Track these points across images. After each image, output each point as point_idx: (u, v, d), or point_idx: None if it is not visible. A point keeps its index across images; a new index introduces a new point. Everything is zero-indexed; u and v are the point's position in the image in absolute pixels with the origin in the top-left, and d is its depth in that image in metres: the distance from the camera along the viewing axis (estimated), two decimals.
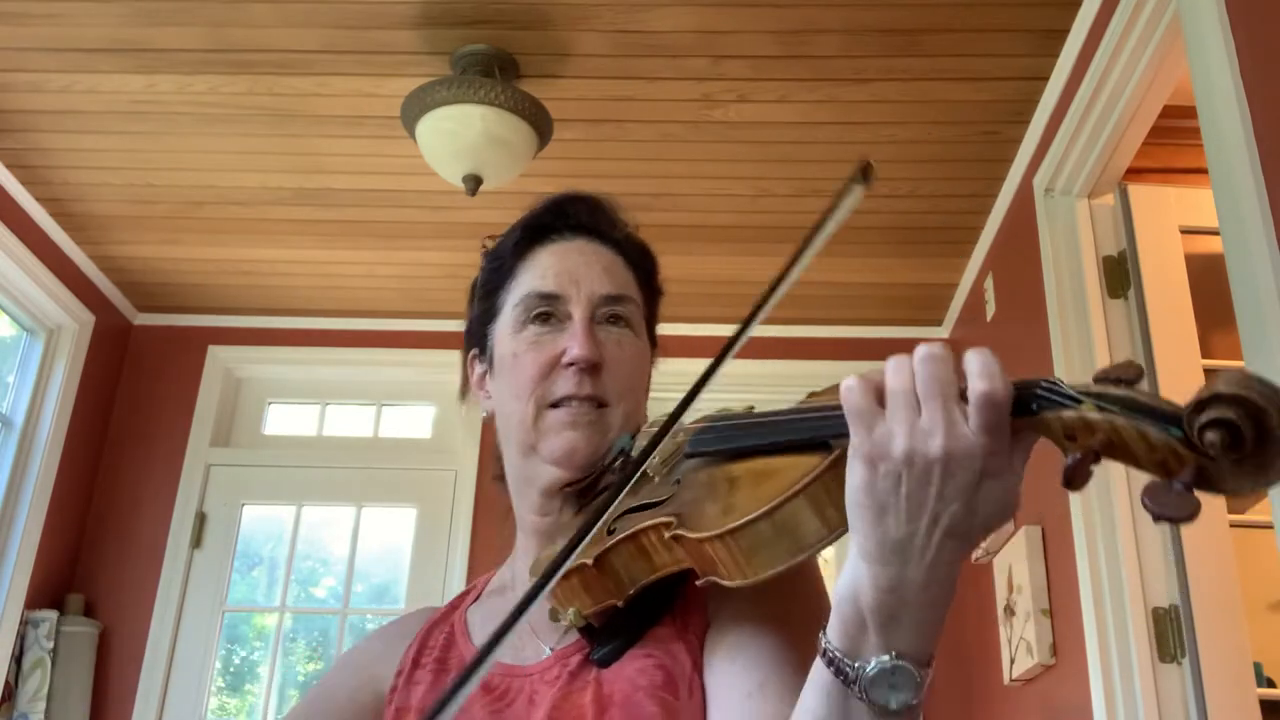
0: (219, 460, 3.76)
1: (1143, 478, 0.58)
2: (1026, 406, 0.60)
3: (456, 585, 3.45)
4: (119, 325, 3.84)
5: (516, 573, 1.00)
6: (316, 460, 3.79)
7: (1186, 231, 2.45)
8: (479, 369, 1.05)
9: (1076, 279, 2.53)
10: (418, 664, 0.98)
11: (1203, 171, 1.85)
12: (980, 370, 0.59)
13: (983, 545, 3.10)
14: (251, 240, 3.43)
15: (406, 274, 3.60)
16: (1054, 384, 0.60)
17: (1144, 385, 0.60)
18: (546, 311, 0.97)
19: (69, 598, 3.46)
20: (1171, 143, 2.48)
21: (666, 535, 0.77)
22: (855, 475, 0.61)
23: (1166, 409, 0.57)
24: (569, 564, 0.71)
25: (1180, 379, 2.31)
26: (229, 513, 3.71)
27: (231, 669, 3.73)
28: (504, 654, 0.93)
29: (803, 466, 0.69)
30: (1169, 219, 2.47)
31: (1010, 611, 2.87)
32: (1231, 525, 2.23)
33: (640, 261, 1.05)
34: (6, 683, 3.21)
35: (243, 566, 3.76)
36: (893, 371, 0.61)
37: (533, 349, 0.96)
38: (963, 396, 0.60)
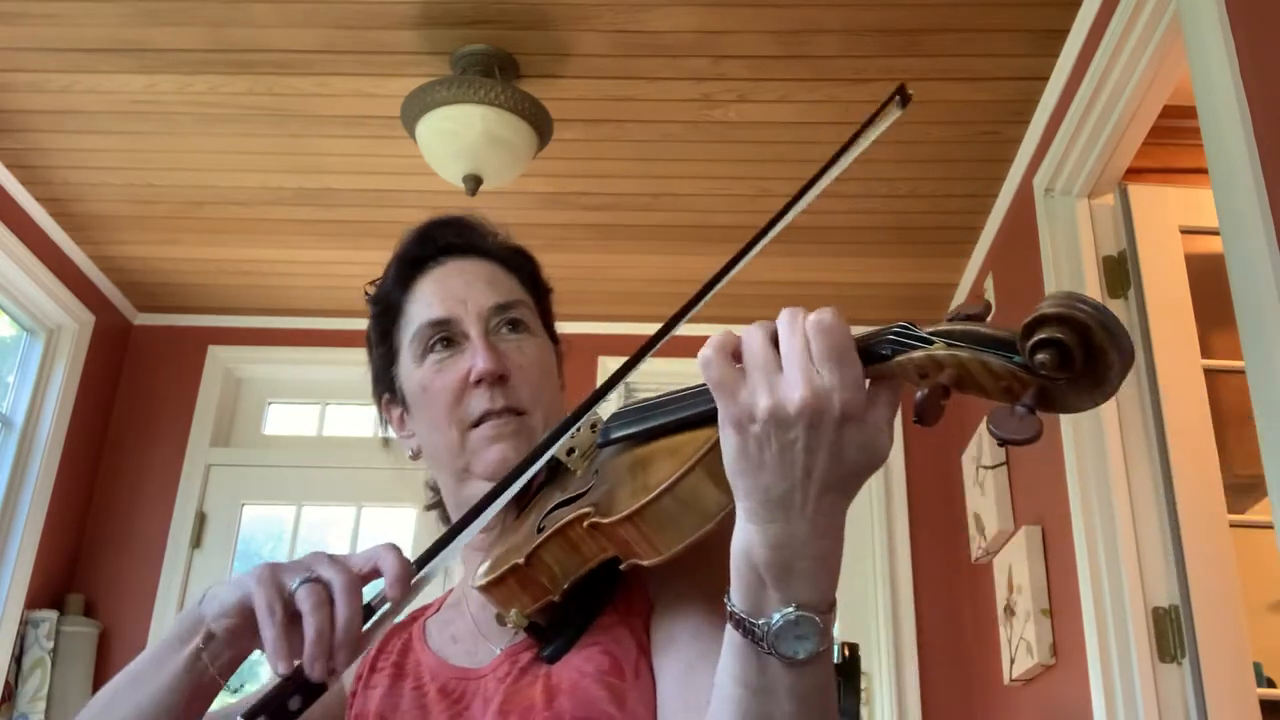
0: (219, 460, 3.76)
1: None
2: (879, 353, 0.63)
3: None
4: (119, 325, 3.84)
5: (466, 588, 1.02)
6: (316, 460, 3.79)
7: (1186, 231, 2.45)
8: (395, 412, 1.06)
9: (1076, 279, 2.53)
10: (374, 669, 0.99)
11: (1203, 171, 1.85)
12: (816, 311, 0.63)
13: (982, 545, 3.10)
14: (251, 240, 3.43)
15: None
16: (905, 328, 0.63)
17: (990, 319, 0.62)
18: (444, 337, 0.99)
19: (69, 598, 3.46)
20: (1171, 143, 2.48)
21: (586, 525, 0.79)
22: (728, 442, 0.64)
23: (1003, 336, 0.59)
24: (480, 523, 0.77)
25: (1180, 379, 2.31)
26: (229, 513, 3.71)
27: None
28: (458, 659, 0.95)
29: (698, 440, 0.72)
30: (1169, 219, 2.47)
31: (1010, 611, 2.88)
32: (1231, 525, 2.23)
33: (520, 265, 1.07)
34: (6, 683, 3.21)
35: (243, 566, 3.76)
36: (748, 335, 0.64)
37: (439, 376, 0.98)
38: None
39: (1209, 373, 2.34)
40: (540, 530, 0.83)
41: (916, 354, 0.61)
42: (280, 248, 3.47)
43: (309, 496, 3.76)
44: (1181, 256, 2.43)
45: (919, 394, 0.60)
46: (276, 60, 2.61)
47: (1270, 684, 2.46)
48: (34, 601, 3.34)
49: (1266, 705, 2.13)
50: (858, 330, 0.63)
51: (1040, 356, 0.56)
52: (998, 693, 3.08)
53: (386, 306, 1.05)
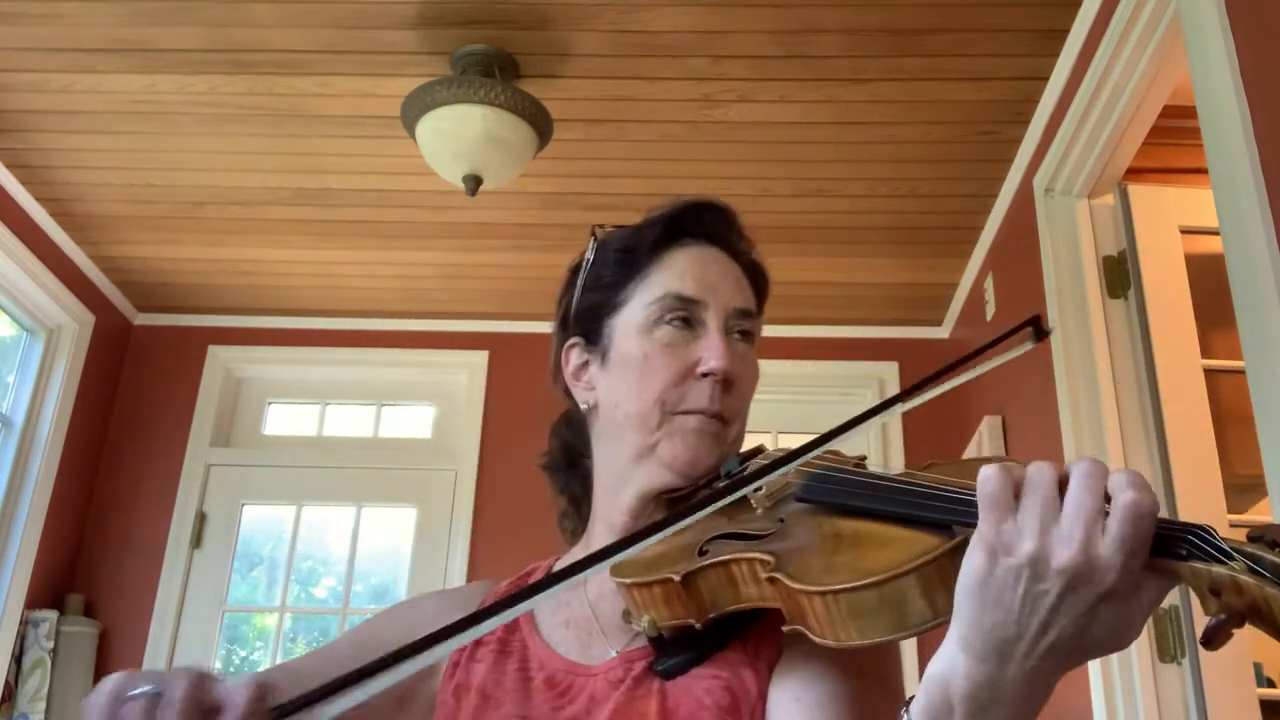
0: (219, 460, 3.76)
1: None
2: (1174, 549, 0.58)
3: (456, 585, 3.45)
4: (119, 325, 3.84)
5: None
6: (316, 460, 3.79)
7: (1186, 231, 2.45)
8: (579, 358, 1.02)
9: (1076, 279, 2.53)
10: (480, 643, 0.95)
11: (1203, 171, 1.85)
12: (1132, 481, 0.58)
13: None
14: (251, 240, 3.43)
15: (406, 274, 3.60)
16: (1208, 534, 0.58)
17: None
18: (684, 315, 0.96)
19: (69, 598, 3.46)
20: (1171, 143, 2.48)
21: (762, 574, 0.75)
22: (973, 563, 0.60)
23: None
24: (642, 546, 0.70)
25: (1180, 379, 2.31)
26: (229, 513, 3.71)
27: (231, 669, 3.73)
28: (569, 650, 0.92)
29: (921, 544, 0.68)
30: (1169, 219, 2.47)
31: None
32: (1231, 525, 2.23)
33: (759, 281, 1.05)
34: (6, 683, 3.21)
35: (243, 566, 3.76)
36: (1037, 471, 0.60)
37: (665, 353, 0.95)
38: (1104, 513, 0.59)
39: (1209, 373, 2.33)
40: (702, 554, 0.80)
41: (1216, 569, 0.56)
42: (280, 248, 3.47)
43: (309, 496, 3.76)
44: (1181, 256, 2.43)
45: (1214, 619, 0.56)
46: (276, 60, 2.61)
47: (1270, 684, 2.46)
48: (34, 601, 3.34)
49: (1266, 705, 2.13)
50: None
51: None
52: None
53: (633, 258, 1.00)
